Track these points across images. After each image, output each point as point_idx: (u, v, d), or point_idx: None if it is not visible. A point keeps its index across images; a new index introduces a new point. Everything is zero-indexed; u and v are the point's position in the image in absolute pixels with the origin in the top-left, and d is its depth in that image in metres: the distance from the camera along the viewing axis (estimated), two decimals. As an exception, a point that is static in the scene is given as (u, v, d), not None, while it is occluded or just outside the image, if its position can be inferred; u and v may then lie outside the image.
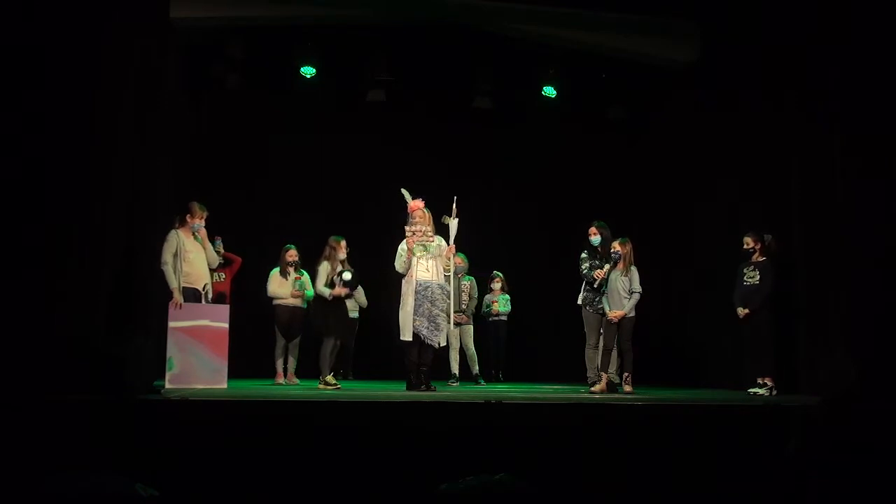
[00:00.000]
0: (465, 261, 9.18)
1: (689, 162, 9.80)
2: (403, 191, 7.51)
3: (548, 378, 9.61)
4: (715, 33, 9.20)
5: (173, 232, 7.07)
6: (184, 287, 6.97)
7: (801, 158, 7.87)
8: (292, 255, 8.74)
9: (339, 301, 7.84)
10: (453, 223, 7.40)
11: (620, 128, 10.89)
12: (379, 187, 10.28)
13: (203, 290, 7.13)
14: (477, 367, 9.34)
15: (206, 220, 7.26)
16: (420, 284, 7.20)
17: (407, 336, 7.15)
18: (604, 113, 10.72)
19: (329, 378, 7.52)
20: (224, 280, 8.37)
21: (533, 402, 5.37)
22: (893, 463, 3.43)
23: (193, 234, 7.17)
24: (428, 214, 7.40)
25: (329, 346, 7.65)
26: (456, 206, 7.43)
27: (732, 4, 8.78)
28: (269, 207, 10.35)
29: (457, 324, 9.07)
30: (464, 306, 9.22)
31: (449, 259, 7.45)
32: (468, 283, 9.38)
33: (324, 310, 7.79)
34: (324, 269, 7.75)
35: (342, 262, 7.80)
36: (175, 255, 6.95)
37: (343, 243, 7.89)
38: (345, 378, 9.61)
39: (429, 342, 7.19)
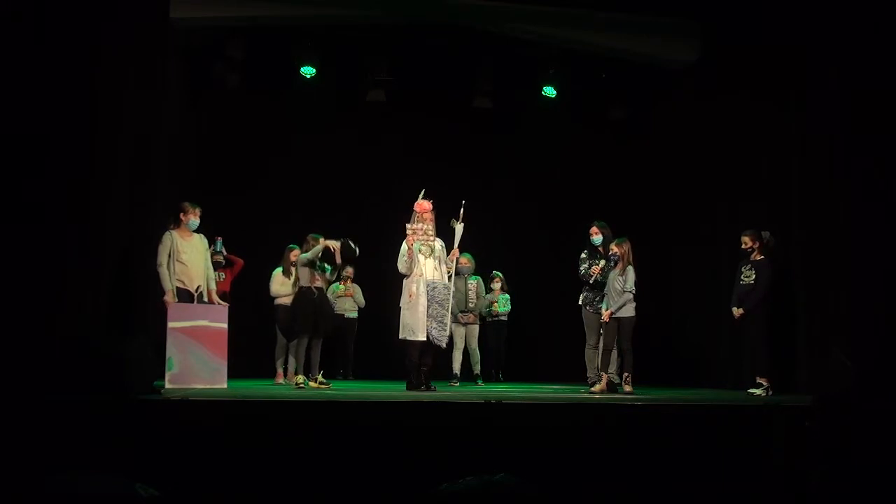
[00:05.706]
0: (472, 261, 9.17)
1: (688, 162, 9.80)
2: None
3: (548, 378, 9.61)
4: (715, 33, 9.20)
5: (167, 233, 7.03)
6: (177, 288, 6.95)
7: (801, 158, 7.87)
8: (296, 255, 8.73)
9: (311, 301, 7.77)
10: (459, 227, 7.39)
11: (620, 128, 10.88)
12: (379, 187, 10.31)
13: (196, 291, 7.10)
14: (478, 367, 9.34)
15: (199, 217, 7.22)
16: (429, 285, 7.22)
17: (421, 336, 7.15)
18: (604, 113, 10.72)
19: (298, 378, 7.57)
20: (224, 280, 8.37)
21: (533, 402, 5.37)
22: (893, 463, 3.43)
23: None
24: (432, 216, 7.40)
25: (303, 346, 7.68)
26: (464, 211, 7.43)
27: (732, 4, 8.78)
28: (268, 207, 10.33)
29: (464, 323, 9.09)
30: (471, 305, 9.22)
31: (453, 262, 7.46)
32: (474, 282, 9.36)
33: (292, 310, 7.83)
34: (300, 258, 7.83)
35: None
36: (170, 257, 6.93)
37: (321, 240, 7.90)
38: (345, 378, 9.62)
39: (437, 343, 7.21)
